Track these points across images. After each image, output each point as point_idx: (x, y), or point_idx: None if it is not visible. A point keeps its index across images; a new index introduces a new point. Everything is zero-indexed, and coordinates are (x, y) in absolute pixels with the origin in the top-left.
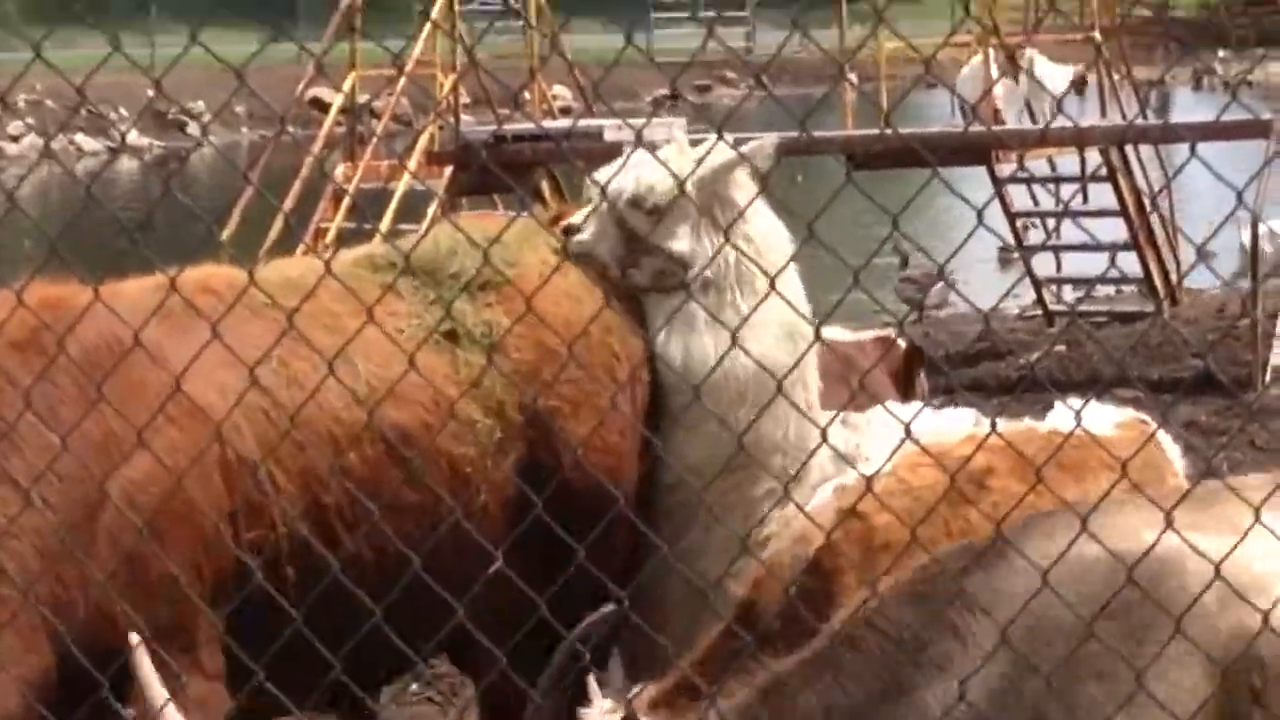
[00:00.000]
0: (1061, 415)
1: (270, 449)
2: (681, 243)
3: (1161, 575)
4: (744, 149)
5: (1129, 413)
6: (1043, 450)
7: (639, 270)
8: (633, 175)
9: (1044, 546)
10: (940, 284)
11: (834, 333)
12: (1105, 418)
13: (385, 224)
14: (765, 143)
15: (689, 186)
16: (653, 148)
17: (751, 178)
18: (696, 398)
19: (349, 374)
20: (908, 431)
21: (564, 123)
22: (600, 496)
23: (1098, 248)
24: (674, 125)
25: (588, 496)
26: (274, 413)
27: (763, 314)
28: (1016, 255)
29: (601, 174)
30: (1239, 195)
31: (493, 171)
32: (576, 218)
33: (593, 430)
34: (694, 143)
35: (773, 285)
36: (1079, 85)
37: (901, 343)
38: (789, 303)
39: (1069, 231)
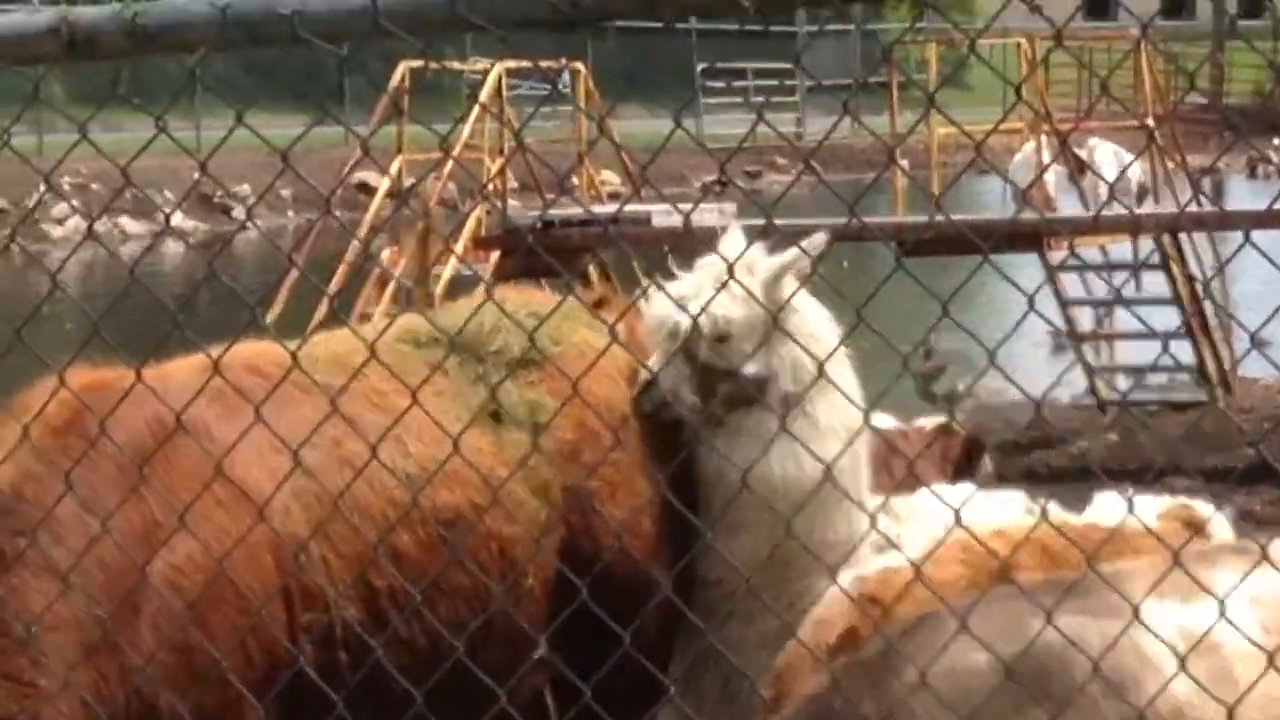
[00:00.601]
0: (1101, 505)
1: (322, 531)
2: (756, 363)
3: (1047, 673)
4: (802, 245)
5: (1172, 501)
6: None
7: (715, 398)
8: (697, 306)
9: (930, 653)
10: (948, 370)
11: (881, 420)
12: (1148, 507)
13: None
14: (818, 238)
15: (758, 305)
16: (703, 238)
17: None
18: (744, 492)
19: (399, 455)
20: (958, 518)
21: (612, 208)
22: (637, 583)
23: (1151, 336)
24: (723, 211)
25: (625, 581)
26: (325, 495)
27: (825, 417)
28: (1068, 342)
29: (659, 309)
30: None
31: (540, 256)
32: (651, 369)
33: (631, 515)
34: (744, 232)
35: (828, 378)
36: (1141, 190)
37: (959, 430)
38: (848, 396)
39: (1121, 321)
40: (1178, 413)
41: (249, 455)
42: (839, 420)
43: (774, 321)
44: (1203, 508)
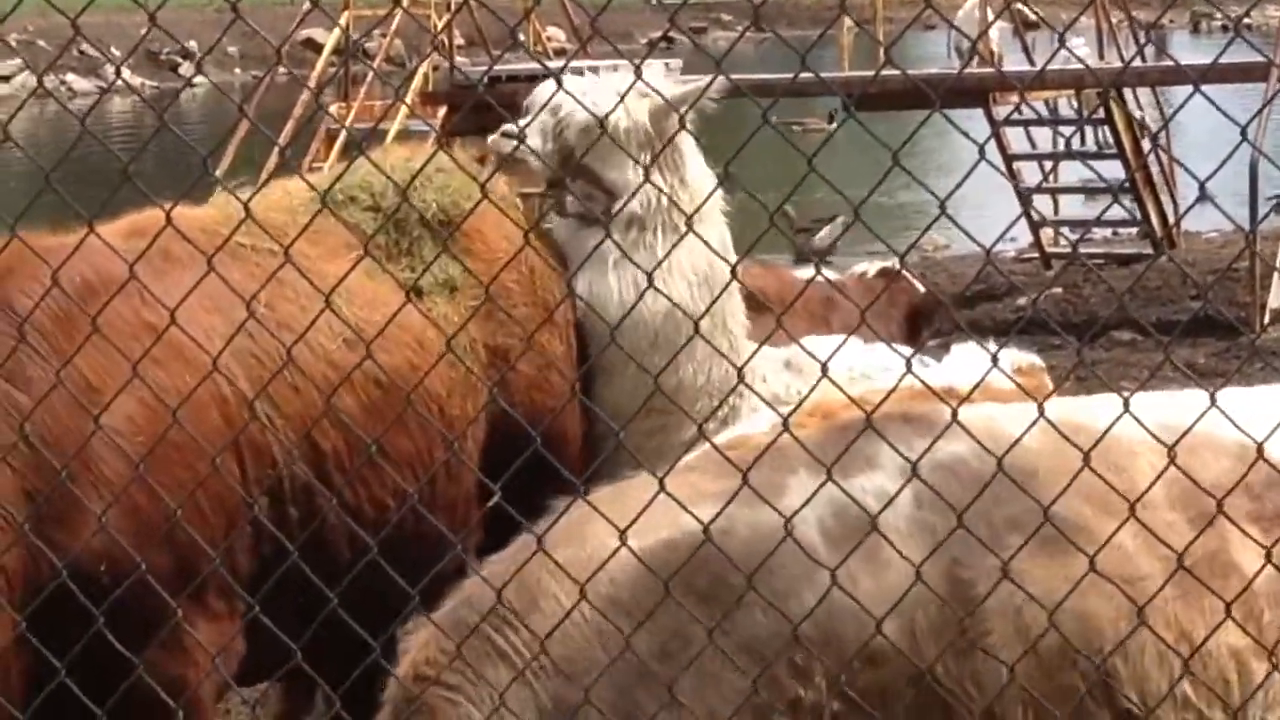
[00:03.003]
0: (959, 360)
1: (265, 390)
2: (615, 172)
3: (699, 563)
4: (694, 85)
5: (1029, 358)
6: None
7: (567, 190)
8: (589, 101)
9: (599, 540)
10: (828, 227)
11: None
12: (1004, 362)
13: None
14: (719, 81)
15: (640, 120)
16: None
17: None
18: (612, 340)
19: (333, 318)
20: (824, 370)
21: (559, 64)
22: (547, 439)
23: (1098, 190)
24: (670, 66)
25: (544, 436)
26: (265, 356)
27: (679, 260)
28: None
29: (548, 89)
30: (1243, 131)
31: (486, 111)
32: (515, 125)
33: (539, 371)
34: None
35: (690, 227)
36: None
37: (916, 282)
38: (709, 245)
39: (1064, 175)
40: (1122, 266)
41: (183, 316)
42: (690, 263)
43: (646, 144)
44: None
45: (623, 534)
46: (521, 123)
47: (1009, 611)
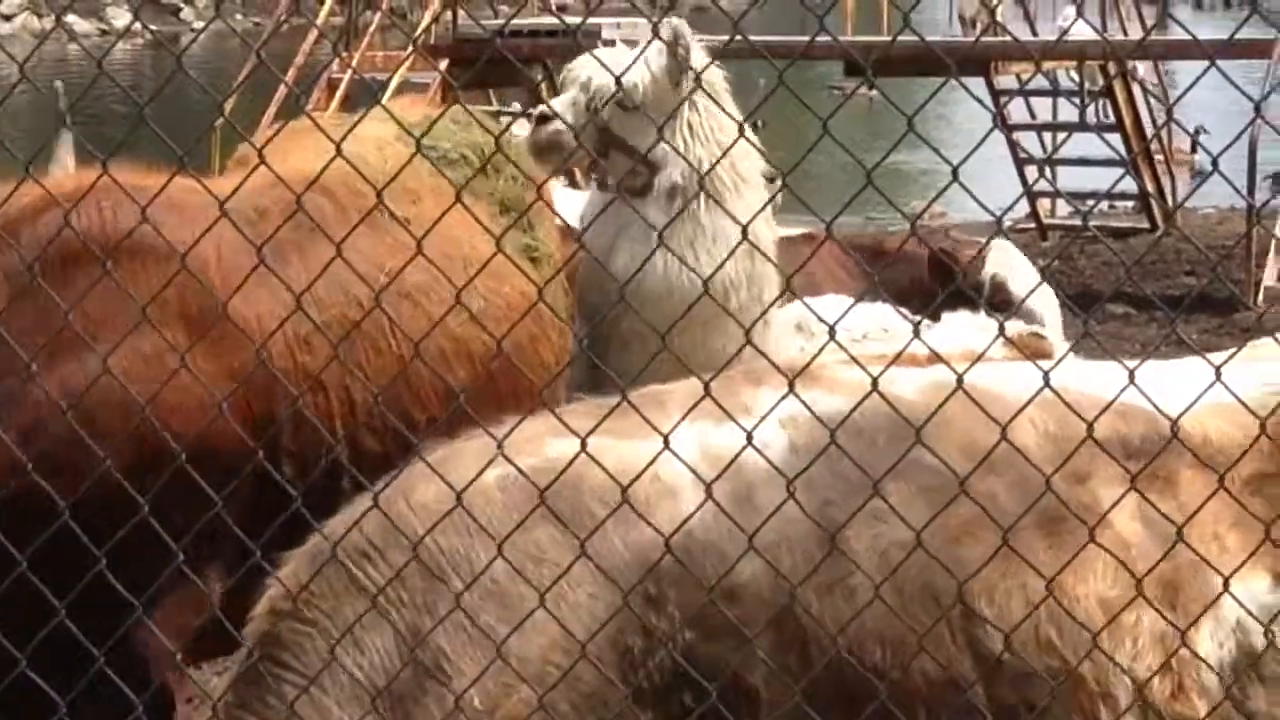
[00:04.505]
0: (951, 326)
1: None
2: (648, 139)
3: (554, 493)
4: (711, 47)
5: (1028, 327)
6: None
7: (608, 167)
8: (616, 71)
9: (464, 471)
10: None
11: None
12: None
13: None
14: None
15: (676, 87)
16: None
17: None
18: (620, 295)
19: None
20: (831, 334)
21: (563, 20)
22: None
23: (1101, 164)
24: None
25: None
26: (374, 327)
27: (724, 229)
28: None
29: (579, 66)
30: (1257, 107)
31: (488, 67)
32: (553, 104)
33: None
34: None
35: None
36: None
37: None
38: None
39: (1064, 148)
40: (1118, 240)
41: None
42: (736, 234)
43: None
44: (1056, 340)
45: (500, 449)
46: (555, 104)
47: (876, 552)
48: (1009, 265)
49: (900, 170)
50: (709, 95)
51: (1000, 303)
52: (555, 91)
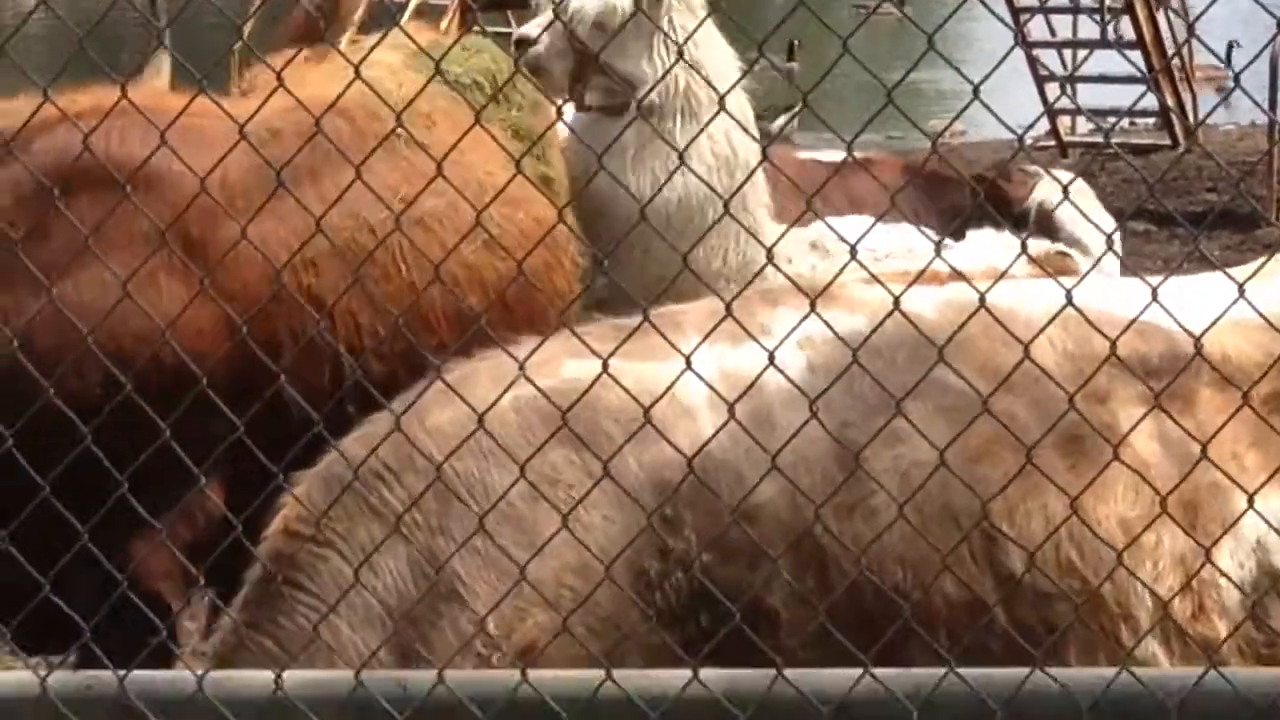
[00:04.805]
0: (975, 244)
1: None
2: (632, 63)
3: (574, 413)
4: None
5: (1050, 246)
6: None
7: (588, 88)
8: None
9: (480, 393)
10: (784, 115)
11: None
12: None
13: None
14: None
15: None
16: None
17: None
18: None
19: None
20: (853, 254)
21: None
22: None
23: (1120, 80)
24: None
25: None
26: (387, 253)
27: (698, 145)
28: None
29: None
30: None
31: None
32: (529, 29)
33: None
34: None
35: (723, 105)
36: None
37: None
38: (737, 121)
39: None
40: (1139, 156)
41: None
42: (709, 147)
43: (657, 30)
44: (1080, 259)
45: (522, 366)
46: (532, 28)
47: (896, 472)
48: (1058, 193)
49: (922, 89)
50: (686, 10)
51: (1045, 230)
52: None
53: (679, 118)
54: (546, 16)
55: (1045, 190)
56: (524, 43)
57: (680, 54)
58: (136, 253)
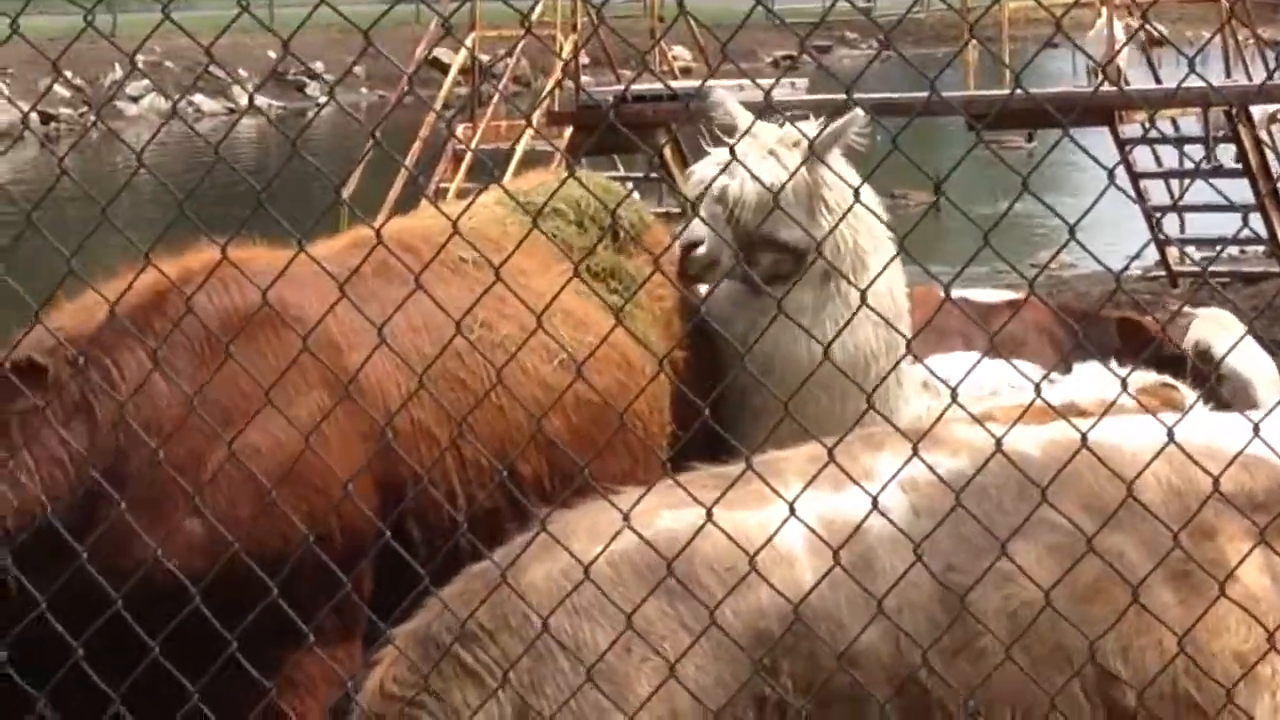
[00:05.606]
0: (1081, 378)
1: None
2: (795, 231)
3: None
4: (837, 124)
5: (1155, 378)
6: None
7: (758, 267)
8: (742, 175)
9: (578, 547)
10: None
11: (972, 294)
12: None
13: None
14: (858, 113)
15: (802, 174)
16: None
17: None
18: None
19: (549, 338)
20: (953, 396)
21: (685, 83)
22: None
23: (1228, 208)
24: (795, 86)
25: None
26: (471, 377)
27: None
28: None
29: (703, 171)
30: None
31: (613, 132)
32: (696, 232)
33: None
34: (811, 107)
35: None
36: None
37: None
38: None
39: (1191, 194)
40: (1249, 285)
41: (364, 341)
42: (876, 303)
43: (813, 191)
44: (1186, 391)
45: (626, 516)
46: (698, 230)
47: (1004, 613)
48: (1215, 333)
49: (1037, 222)
50: (829, 168)
51: (1207, 372)
52: (680, 154)
53: (852, 274)
54: (705, 209)
55: (1200, 330)
56: (692, 245)
57: (854, 200)
58: (304, 403)
